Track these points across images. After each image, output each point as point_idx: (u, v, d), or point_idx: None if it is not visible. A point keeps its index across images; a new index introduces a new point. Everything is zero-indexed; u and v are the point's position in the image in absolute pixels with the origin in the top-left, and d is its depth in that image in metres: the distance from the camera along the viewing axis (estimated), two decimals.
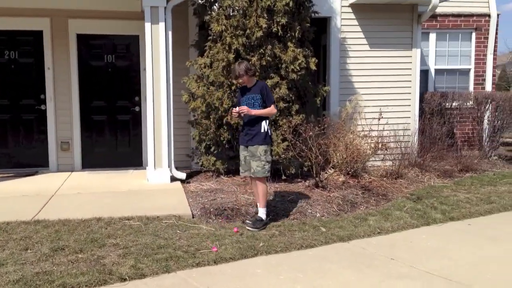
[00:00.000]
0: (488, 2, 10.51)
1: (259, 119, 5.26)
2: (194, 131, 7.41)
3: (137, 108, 8.21)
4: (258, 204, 5.44)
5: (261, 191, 5.34)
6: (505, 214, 6.17)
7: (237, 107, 5.23)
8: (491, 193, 7.10)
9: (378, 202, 6.43)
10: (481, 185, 7.64)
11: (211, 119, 6.96)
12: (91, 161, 8.16)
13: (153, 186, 6.79)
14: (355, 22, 8.62)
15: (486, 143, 9.91)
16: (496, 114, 9.80)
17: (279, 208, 5.89)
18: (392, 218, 5.75)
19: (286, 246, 4.73)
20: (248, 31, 6.68)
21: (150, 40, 6.90)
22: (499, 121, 9.77)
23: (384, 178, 7.52)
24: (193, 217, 5.49)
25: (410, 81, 8.82)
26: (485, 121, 9.83)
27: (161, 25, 6.87)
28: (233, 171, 7.50)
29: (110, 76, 8.16)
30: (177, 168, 7.30)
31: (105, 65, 8.14)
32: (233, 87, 6.79)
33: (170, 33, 6.95)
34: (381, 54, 8.68)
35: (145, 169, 7.24)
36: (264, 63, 6.81)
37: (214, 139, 7.16)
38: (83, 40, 8.03)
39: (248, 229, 5.14)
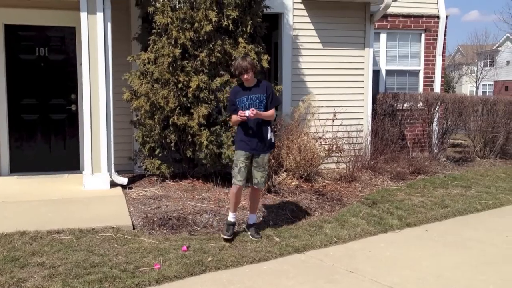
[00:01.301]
0: (437, 3, 10.52)
1: (266, 123, 4.79)
2: (137, 132, 6.83)
3: (73, 107, 7.51)
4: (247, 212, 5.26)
5: (259, 199, 5.31)
6: (461, 219, 6.03)
7: (247, 110, 4.58)
8: (444, 196, 6.98)
9: (333, 208, 6.12)
10: (434, 187, 7.53)
11: (156, 119, 6.42)
12: (21, 165, 7.38)
13: (89, 193, 6.15)
14: (308, 19, 8.32)
15: (435, 145, 9.90)
16: (445, 115, 9.80)
17: None
18: (348, 225, 5.45)
19: (237, 260, 4.30)
20: (196, 24, 6.19)
21: (87, 32, 6.27)
22: (449, 123, 9.78)
23: (338, 182, 7.24)
24: (133, 229, 4.94)
25: (363, 81, 8.62)
26: (435, 123, 9.82)
27: (99, 15, 6.25)
28: (179, 175, 7.00)
29: (43, 71, 7.41)
30: (118, 172, 6.70)
31: (37, 59, 7.38)
32: (179, 85, 6.27)
33: (109, 24, 6.35)
34: (334, 53, 8.43)
35: (82, 173, 6.59)
36: (214, 60, 6.35)
37: (159, 140, 6.63)
38: (12, 31, 7.24)
39: (255, 239, 4.85)
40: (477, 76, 44.79)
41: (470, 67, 46.25)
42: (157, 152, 6.74)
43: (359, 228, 5.37)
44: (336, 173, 7.56)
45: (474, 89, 45.51)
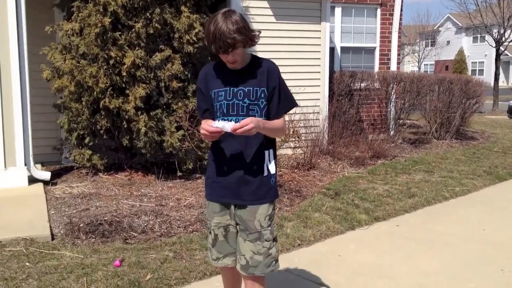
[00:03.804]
0: None
1: (264, 143, 2.44)
2: (62, 118, 5.82)
3: None
4: None
5: None
6: (430, 209, 5.49)
7: (216, 122, 2.26)
8: (409, 183, 6.44)
9: (293, 201, 5.41)
10: (396, 173, 6.99)
11: (84, 102, 5.43)
12: None
13: (1, 192, 5.09)
14: None
15: (392, 126, 9.42)
16: (403, 95, 9.31)
17: (173, 218, 4.60)
18: (312, 222, 4.75)
19: (183, 276, 3.50)
20: None
21: None
22: (406, 103, 9.31)
23: (296, 170, 6.54)
24: (52, 239, 3.99)
25: (320, 58, 7.91)
26: (392, 103, 9.32)
27: None
28: (115, 166, 6.07)
29: None
30: (42, 164, 5.70)
31: None
32: (111, 62, 5.29)
33: None
34: (288, 28, 7.64)
35: None
36: (152, 31, 5.41)
37: (88, 127, 5.65)
38: None
39: None
40: (419, 56, 45.60)
41: (412, 47, 47.02)
42: (87, 140, 5.76)
43: (324, 225, 4.69)
44: (293, 160, 6.86)
45: (416, 69, 46.39)
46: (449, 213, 5.35)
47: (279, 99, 2.43)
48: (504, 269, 3.80)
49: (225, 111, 2.39)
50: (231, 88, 2.38)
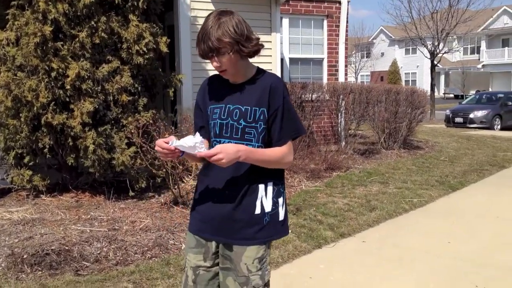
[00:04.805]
0: None
1: (260, 175, 2.04)
2: None
3: None
4: None
5: None
6: (393, 223, 5.42)
7: (188, 139, 1.91)
8: (368, 196, 6.38)
9: None
10: (353, 186, 6.92)
11: (23, 119, 4.92)
12: None
13: None
14: None
15: (343, 137, 9.43)
16: (353, 106, 9.36)
17: (129, 243, 4.21)
18: (277, 242, 4.49)
19: None
20: None
21: None
22: (356, 114, 9.36)
23: None
24: None
25: (271, 70, 7.73)
26: (343, 114, 9.33)
27: None
28: (59, 186, 5.56)
29: None
30: None
31: None
32: (53, 74, 4.83)
33: None
34: None
35: None
36: (98, 41, 5.02)
37: (28, 145, 5.13)
38: None
39: None
40: (356, 67, 47.00)
41: (349, 59, 48.39)
42: (26, 160, 5.23)
43: (290, 245, 4.47)
44: None
45: (354, 80, 47.77)
46: (411, 226, 5.29)
47: (282, 123, 2.02)
48: (477, 285, 3.74)
49: (217, 132, 2.04)
50: (227, 106, 2.04)
